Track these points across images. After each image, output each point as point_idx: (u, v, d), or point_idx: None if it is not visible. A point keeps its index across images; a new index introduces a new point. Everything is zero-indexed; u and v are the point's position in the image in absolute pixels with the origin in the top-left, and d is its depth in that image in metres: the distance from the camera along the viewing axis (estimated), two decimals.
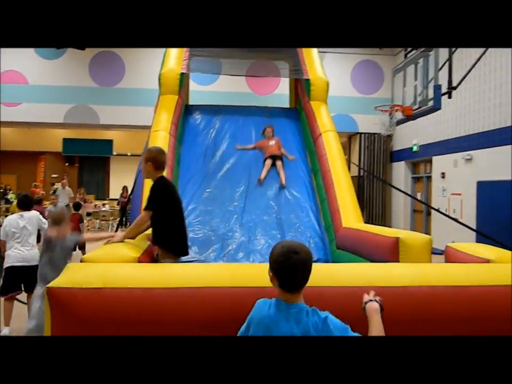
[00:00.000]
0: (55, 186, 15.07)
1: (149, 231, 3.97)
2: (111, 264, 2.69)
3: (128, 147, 17.82)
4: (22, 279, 4.78)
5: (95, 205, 15.90)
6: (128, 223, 11.91)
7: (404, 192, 7.82)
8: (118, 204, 15.35)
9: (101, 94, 13.16)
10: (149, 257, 3.47)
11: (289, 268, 1.80)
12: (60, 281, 2.27)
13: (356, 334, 1.84)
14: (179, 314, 2.27)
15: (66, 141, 17.03)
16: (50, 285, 2.25)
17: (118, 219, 12.60)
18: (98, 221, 14.83)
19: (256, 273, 2.46)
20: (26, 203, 5.12)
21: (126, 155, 18.31)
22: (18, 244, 4.85)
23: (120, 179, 17.12)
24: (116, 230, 7.36)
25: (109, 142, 17.47)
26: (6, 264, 4.82)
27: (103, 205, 15.92)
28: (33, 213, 5.12)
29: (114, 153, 18.00)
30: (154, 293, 2.29)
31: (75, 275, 2.34)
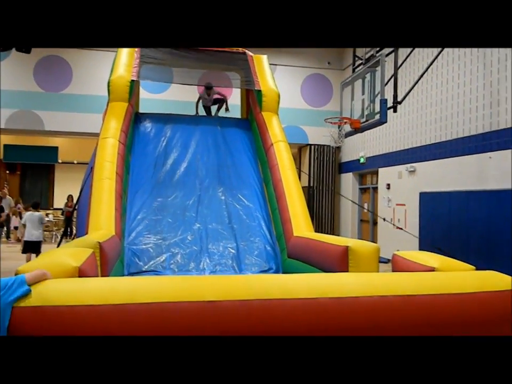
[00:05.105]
0: None
1: (97, 237, 3.85)
2: (52, 280, 2.41)
3: (75, 155, 17.21)
4: (32, 247, 8.18)
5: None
6: (73, 234, 11.47)
7: (358, 204, 8.04)
8: (62, 214, 14.76)
9: (46, 100, 12.65)
10: (92, 266, 3.22)
11: None
12: None
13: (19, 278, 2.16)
14: (128, 332, 2.14)
15: (7, 147, 16.20)
16: None
17: (63, 229, 12.11)
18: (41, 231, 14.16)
19: (206, 286, 2.41)
20: (36, 205, 8.56)
21: (72, 163, 17.68)
22: (31, 229, 8.19)
23: (65, 188, 16.49)
24: (60, 241, 7.07)
25: (54, 149, 16.78)
26: (24, 238, 8.31)
27: (47, 214, 15.24)
28: (38, 213, 8.46)
29: (60, 161, 17.33)
30: (99, 309, 2.16)
31: None
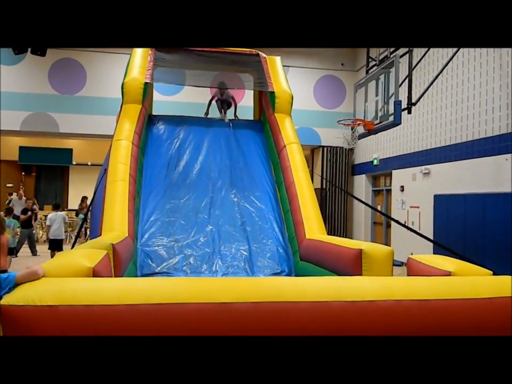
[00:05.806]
0: (12, 197, 14.53)
1: (111, 239, 3.85)
2: (68, 279, 2.48)
3: (89, 156, 17.35)
4: (56, 245, 9.19)
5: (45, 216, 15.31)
6: (87, 235, 11.57)
7: (371, 207, 7.97)
8: (76, 215, 14.90)
9: (61, 102, 12.78)
10: (105, 267, 3.28)
11: None
12: (13, 299, 2.12)
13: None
14: (141, 332, 2.14)
15: (22, 149, 16.39)
16: (2, 302, 2.11)
17: (77, 230, 12.21)
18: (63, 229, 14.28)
19: (219, 288, 2.39)
20: (57, 206, 9.75)
21: (87, 165, 17.83)
22: (56, 228, 9.22)
23: (80, 189, 16.64)
24: (75, 241, 7.12)
25: (69, 151, 16.94)
26: (50, 237, 9.32)
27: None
28: (62, 213, 9.70)
29: (74, 162, 17.49)
30: (113, 309, 2.17)
31: (28, 291, 2.18)
